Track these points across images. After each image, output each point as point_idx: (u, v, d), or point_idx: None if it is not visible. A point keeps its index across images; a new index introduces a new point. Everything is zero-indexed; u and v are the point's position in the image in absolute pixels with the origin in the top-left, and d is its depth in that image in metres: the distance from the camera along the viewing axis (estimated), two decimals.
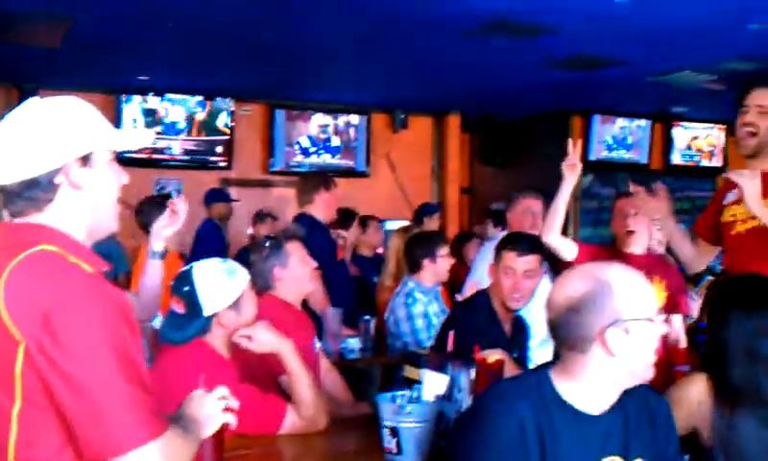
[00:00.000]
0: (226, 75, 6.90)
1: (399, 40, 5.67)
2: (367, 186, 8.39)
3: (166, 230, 2.69)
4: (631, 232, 3.65)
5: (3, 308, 1.37)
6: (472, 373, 2.14)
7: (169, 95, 7.60)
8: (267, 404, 2.45)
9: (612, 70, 6.62)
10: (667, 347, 3.19)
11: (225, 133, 7.88)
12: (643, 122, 9.32)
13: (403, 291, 4.30)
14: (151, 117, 7.55)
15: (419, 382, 2.26)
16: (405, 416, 2.09)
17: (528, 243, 3.10)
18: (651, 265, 3.68)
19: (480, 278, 4.01)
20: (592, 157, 8.98)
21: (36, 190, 1.48)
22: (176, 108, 7.68)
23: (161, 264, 2.74)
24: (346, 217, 5.57)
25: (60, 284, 1.39)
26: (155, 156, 7.62)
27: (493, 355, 2.48)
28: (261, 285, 3.14)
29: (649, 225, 3.64)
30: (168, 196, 4.27)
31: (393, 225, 6.67)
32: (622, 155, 9.27)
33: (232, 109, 7.86)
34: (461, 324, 2.94)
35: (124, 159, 6.45)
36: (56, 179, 1.49)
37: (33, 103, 1.54)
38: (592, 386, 1.69)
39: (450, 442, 1.97)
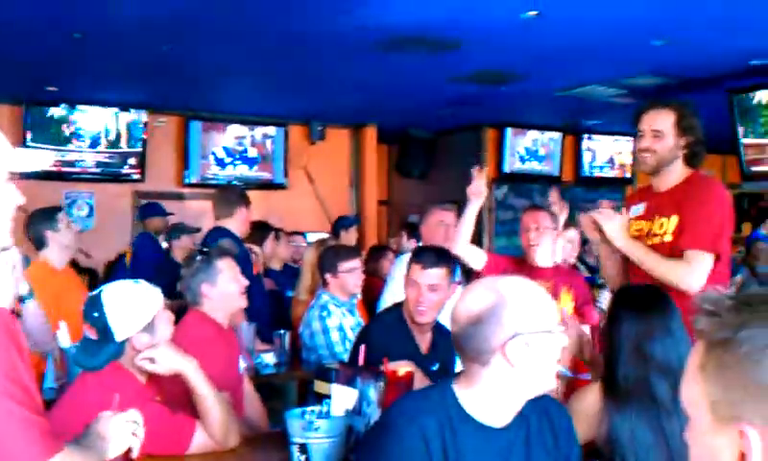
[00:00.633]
0: (138, 86, 6.77)
1: (309, 54, 5.68)
2: (285, 198, 8.35)
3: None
4: (534, 246, 3.75)
5: None
6: (381, 386, 2.15)
7: (80, 106, 7.40)
8: (175, 424, 2.40)
9: (520, 84, 6.77)
10: (570, 356, 3.27)
11: (138, 145, 7.71)
12: (555, 135, 9.56)
13: (318, 304, 4.29)
14: (61, 129, 7.33)
15: (328, 397, 2.26)
16: (314, 432, 2.08)
17: (434, 256, 3.08)
18: (558, 276, 3.79)
19: (396, 290, 4.02)
20: (506, 169, 9.18)
21: None
22: (87, 119, 7.47)
23: (35, 304, 2.70)
24: (260, 230, 5.53)
25: None
26: (65, 169, 7.39)
27: (403, 368, 2.50)
28: (190, 300, 3.10)
29: (555, 239, 3.75)
30: (59, 209, 4.16)
31: (312, 237, 6.67)
32: (534, 167, 9.50)
33: (146, 120, 7.70)
34: (373, 337, 2.94)
35: (33, 173, 6.21)
36: None
37: None
38: (495, 398, 1.72)
39: (357, 457, 1.98)
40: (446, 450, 1.67)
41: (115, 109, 7.53)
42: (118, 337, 2.33)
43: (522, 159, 9.35)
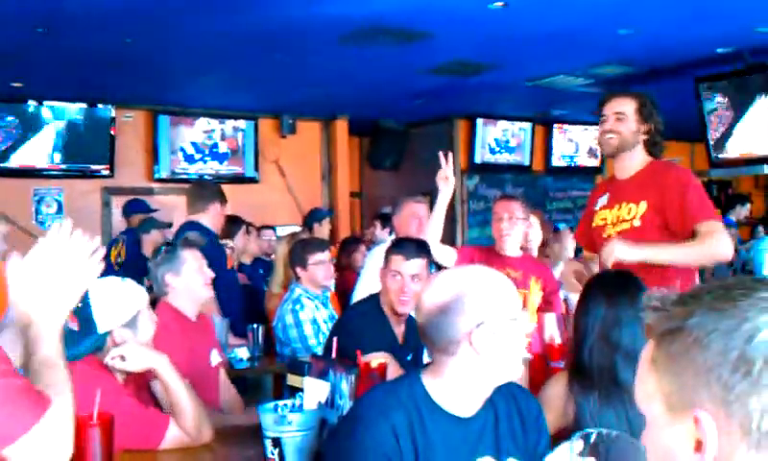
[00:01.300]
0: (104, 81, 6.68)
1: (278, 47, 5.64)
2: (257, 192, 8.31)
3: None
4: (505, 236, 3.79)
5: None
6: (353, 378, 2.15)
7: (47, 102, 7.30)
8: (148, 418, 2.40)
9: (489, 75, 6.79)
10: (543, 344, 3.30)
11: (106, 141, 7.61)
12: (525, 125, 9.61)
13: (291, 297, 4.29)
14: (28, 125, 7.23)
15: (301, 390, 2.26)
16: (286, 425, 2.08)
17: (415, 247, 3.14)
18: (527, 266, 3.82)
19: (370, 281, 4.02)
20: (477, 159, 9.21)
21: None
22: (54, 115, 7.37)
23: None
24: (231, 224, 5.51)
25: None
26: (33, 165, 7.29)
27: (377, 359, 2.50)
28: (156, 291, 3.12)
29: (527, 230, 3.80)
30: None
31: (284, 231, 6.65)
32: (506, 157, 9.54)
33: (113, 115, 7.61)
34: (350, 328, 2.95)
35: (1, 170, 6.14)
36: None
37: None
38: (463, 387, 1.73)
39: (326, 449, 1.98)
40: (416, 441, 1.68)
41: (82, 105, 7.43)
42: (100, 329, 2.36)
43: (493, 150, 9.39)
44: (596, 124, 10.53)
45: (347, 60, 6.06)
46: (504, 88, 7.42)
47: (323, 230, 6.33)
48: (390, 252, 3.13)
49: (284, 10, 4.77)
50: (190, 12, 4.75)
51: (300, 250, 4.39)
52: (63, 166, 7.45)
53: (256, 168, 8.51)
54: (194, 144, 8.15)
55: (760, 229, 7.32)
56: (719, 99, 6.39)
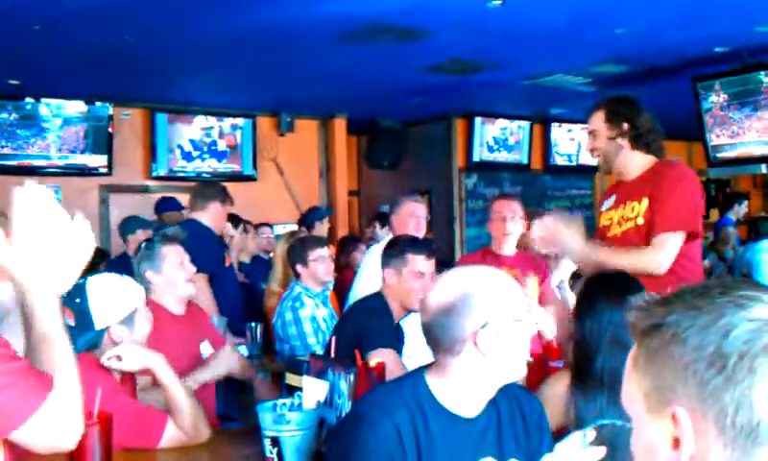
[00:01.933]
0: (102, 79, 6.67)
1: (277, 45, 5.63)
2: (254, 190, 8.30)
3: None
4: (508, 235, 3.79)
5: None
6: (352, 377, 2.15)
7: (45, 100, 7.28)
8: (146, 417, 2.40)
9: (488, 74, 6.79)
10: (542, 343, 3.31)
11: (104, 139, 7.60)
12: (523, 123, 9.61)
13: (291, 295, 4.30)
14: (26, 122, 7.22)
15: (300, 389, 2.26)
16: (285, 425, 2.08)
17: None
18: (524, 263, 3.83)
19: (370, 278, 4.01)
20: (476, 158, 9.21)
21: None
22: (52, 112, 7.36)
23: None
24: (228, 222, 5.51)
25: None
26: (30, 162, 7.28)
27: (376, 359, 2.51)
28: None
29: (526, 227, 3.80)
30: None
31: (282, 229, 6.65)
32: (504, 156, 9.54)
33: (111, 113, 7.60)
34: (366, 325, 2.95)
35: None
36: None
37: None
38: (467, 388, 1.73)
39: (329, 448, 1.98)
40: (419, 441, 1.68)
41: (80, 102, 7.41)
42: (97, 325, 2.37)
43: (491, 149, 9.38)
44: None
45: (345, 58, 6.05)
46: (502, 87, 7.42)
47: (323, 229, 6.34)
48: (409, 251, 3.14)
49: (283, 8, 4.76)
50: (189, 9, 4.75)
51: (299, 247, 4.39)
52: (61, 164, 7.44)
53: (254, 166, 8.50)
54: (192, 142, 8.14)
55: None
56: (717, 98, 6.40)
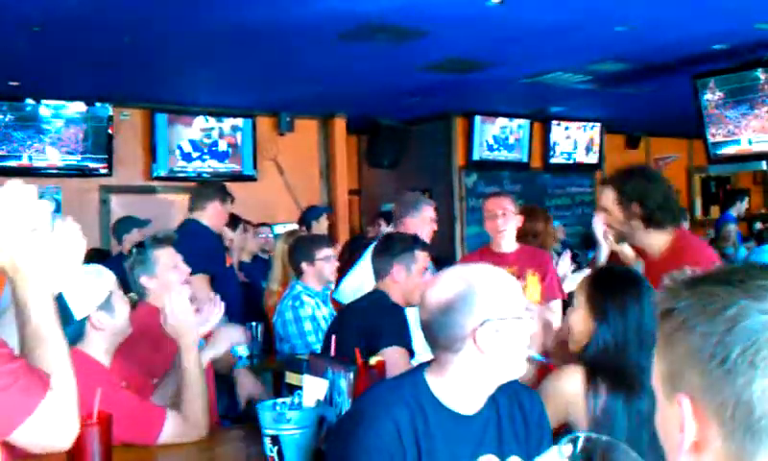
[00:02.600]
0: (102, 79, 6.67)
1: (276, 45, 5.64)
2: (255, 190, 8.30)
3: None
4: (502, 231, 3.79)
5: None
6: (351, 375, 2.15)
7: (45, 101, 7.29)
8: (145, 412, 2.40)
9: (487, 72, 6.79)
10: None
11: (104, 139, 7.61)
12: (523, 122, 9.61)
13: (291, 294, 4.29)
14: (26, 124, 7.22)
15: (300, 388, 2.26)
16: (285, 423, 2.08)
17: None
18: (523, 260, 3.82)
19: (365, 274, 4.00)
20: (476, 157, 9.21)
21: None
22: (52, 113, 7.36)
23: None
24: (228, 222, 5.51)
25: None
26: (31, 164, 7.28)
27: (375, 357, 2.51)
28: (135, 293, 3.07)
29: (522, 221, 3.80)
30: None
31: (282, 229, 6.64)
32: (504, 154, 9.54)
33: (111, 114, 7.60)
34: (378, 322, 2.95)
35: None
36: None
37: None
38: (466, 385, 1.73)
39: (329, 446, 1.98)
40: (419, 439, 1.68)
41: (80, 103, 7.42)
42: (77, 316, 2.35)
43: (491, 147, 9.39)
44: (593, 121, 10.52)
45: (344, 57, 6.05)
46: (502, 85, 7.42)
47: (320, 227, 6.33)
48: (417, 248, 3.22)
49: (283, 7, 4.77)
50: (188, 9, 4.75)
51: (307, 245, 4.38)
52: (61, 165, 7.45)
53: (255, 166, 8.51)
54: (192, 142, 8.14)
55: (760, 225, 7.29)
56: (717, 95, 6.40)
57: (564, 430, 2.17)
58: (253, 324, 4.38)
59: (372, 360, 2.46)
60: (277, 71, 6.58)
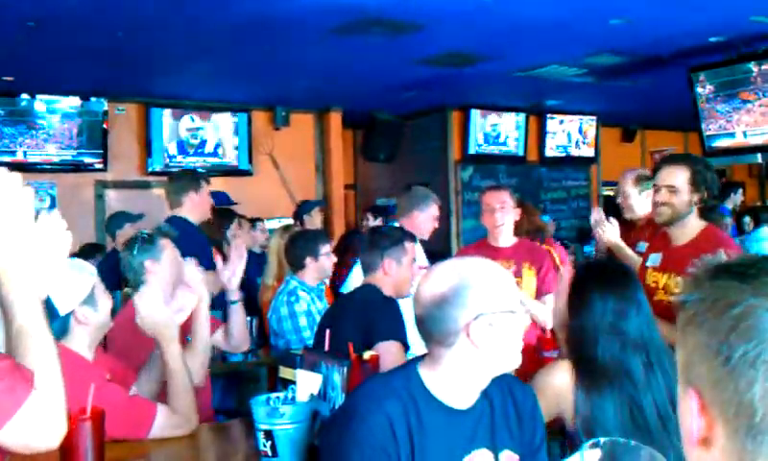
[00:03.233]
0: (96, 74, 6.66)
1: (271, 38, 5.62)
2: (250, 185, 8.29)
3: None
4: (500, 226, 3.78)
5: None
6: (345, 370, 2.15)
7: (40, 96, 7.27)
8: (135, 406, 2.39)
9: (482, 66, 6.78)
10: (537, 334, 3.30)
11: (99, 134, 7.59)
12: (519, 115, 9.61)
13: (286, 289, 4.28)
14: (20, 119, 7.20)
15: (294, 382, 2.25)
16: (279, 418, 2.08)
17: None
18: (520, 253, 3.82)
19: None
20: (471, 150, 9.21)
21: None
22: (47, 108, 7.34)
23: None
24: (223, 217, 5.49)
25: None
26: (25, 159, 7.26)
27: (369, 352, 2.50)
28: (133, 281, 3.08)
29: (519, 214, 3.80)
30: None
31: (277, 223, 6.62)
32: (500, 148, 9.54)
33: (106, 108, 7.58)
34: (377, 316, 2.96)
35: None
36: None
37: None
38: (460, 379, 1.72)
39: (322, 441, 1.97)
40: (411, 432, 1.67)
41: (75, 98, 7.40)
42: (61, 311, 2.34)
43: (487, 141, 9.38)
44: (589, 114, 10.54)
45: (340, 51, 6.04)
46: (498, 79, 7.41)
47: (313, 221, 6.31)
48: (406, 240, 3.22)
49: (277, 1, 4.75)
50: (183, 3, 4.73)
51: (312, 240, 4.37)
52: (56, 160, 7.43)
53: (250, 161, 8.49)
54: (187, 137, 8.13)
55: (748, 219, 7.26)
56: (712, 88, 6.39)
57: (556, 423, 2.18)
58: (248, 319, 4.38)
59: (366, 355, 2.46)
60: (273, 65, 6.56)
